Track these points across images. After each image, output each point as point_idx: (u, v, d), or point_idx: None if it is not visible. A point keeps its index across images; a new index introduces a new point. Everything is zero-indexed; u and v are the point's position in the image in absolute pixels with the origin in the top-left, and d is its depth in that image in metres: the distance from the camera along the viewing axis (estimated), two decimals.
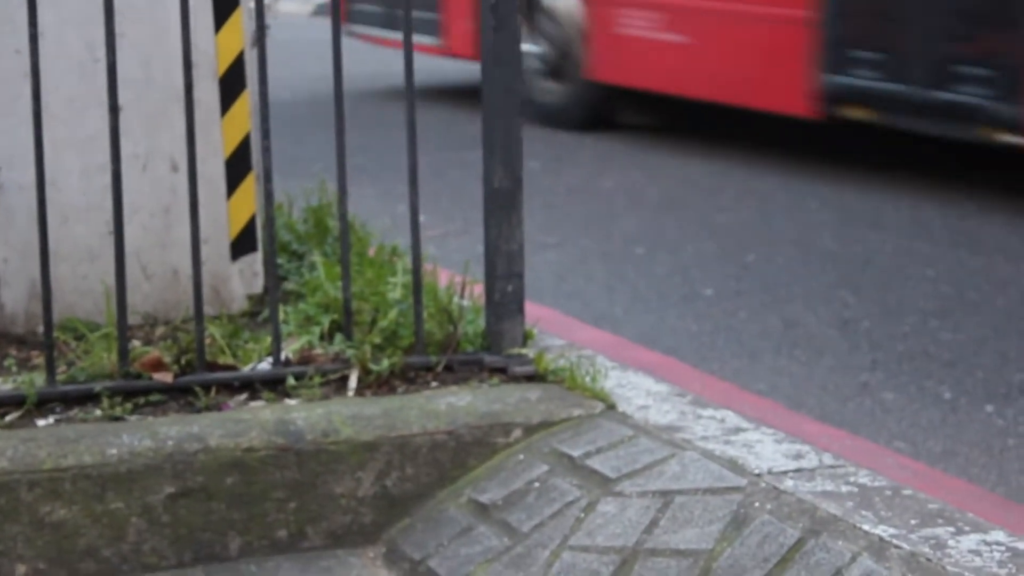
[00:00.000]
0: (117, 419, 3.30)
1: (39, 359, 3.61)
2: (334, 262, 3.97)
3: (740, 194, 7.67)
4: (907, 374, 4.89)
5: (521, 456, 3.27)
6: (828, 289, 5.88)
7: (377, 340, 3.58)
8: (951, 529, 2.68)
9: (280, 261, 4.21)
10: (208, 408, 3.37)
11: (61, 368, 3.47)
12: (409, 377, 3.54)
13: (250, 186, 3.97)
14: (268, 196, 3.49)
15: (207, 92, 3.87)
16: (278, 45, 11.02)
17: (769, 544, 2.73)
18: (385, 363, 3.50)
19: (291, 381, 3.46)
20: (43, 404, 3.35)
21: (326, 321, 3.70)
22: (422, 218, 3.64)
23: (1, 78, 3.76)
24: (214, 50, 3.88)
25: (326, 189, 4.49)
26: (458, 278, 3.85)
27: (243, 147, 3.96)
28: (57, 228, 3.75)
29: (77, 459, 3.11)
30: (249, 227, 4.00)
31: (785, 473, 2.97)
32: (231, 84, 3.92)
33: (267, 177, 3.48)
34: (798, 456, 3.06)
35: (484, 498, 3.19)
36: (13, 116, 3.73)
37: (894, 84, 7.50)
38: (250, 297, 4.03)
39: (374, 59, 11.51)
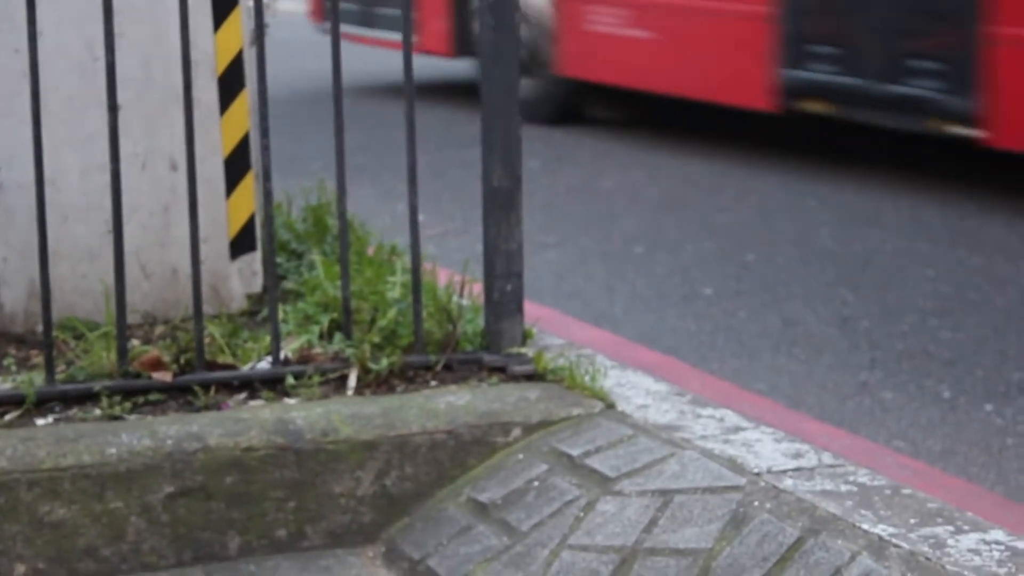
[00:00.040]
0: (116, 418, 3.30)
1: (38, 358, 3.61)
2: (333, 261, 3.97)
3: (740, 194, 7.67)
4: (906, 373, 4.89)
5: (520, 455, 3.27)
6: (828, 288, 5.88)
7: (376, 339, 3.58)
8: (950, 528, 2.68)
9: (279, 260, 4.21)
10: (207, 407, 3.36)
11: (60, 367, 3.47)
12: (408, 376, 3.54)
13: (249, 185, 3.97)
14: (267, 195, 3.49)
15: (206, 91, 3.87)
16: (277, 44, 11.03)
17: (768, 543, 2.73)
18: (384, 362, 3.50)
19: (290, 380, 3.46)
20: (42, 403, 3.35)
21: (325, 320, 3.70)
22: (421, 217, 3.64)
23: (0, 77, 3.76)
24: (213, 49, 3.88)
25: (325, 188, 4.49)
26: (457, 277, 3.85)
27: (242, 146, 3.96)
28: (56, 227, 3.75)
29: (76, 458, 3.11)
30: (248, 226, 4.00)
31: (784, 472, 2.96)
32: (230, 83, 3.92)
33: (266, 176, 3.48)
34: (797, 455, 3.06)
35: (483, 497, 3.19)
36: (12, 115, 3.73)
37: (850, 78, 7.70)
38: (249, 296, 4.02)
39: (374, 58, 11.52)
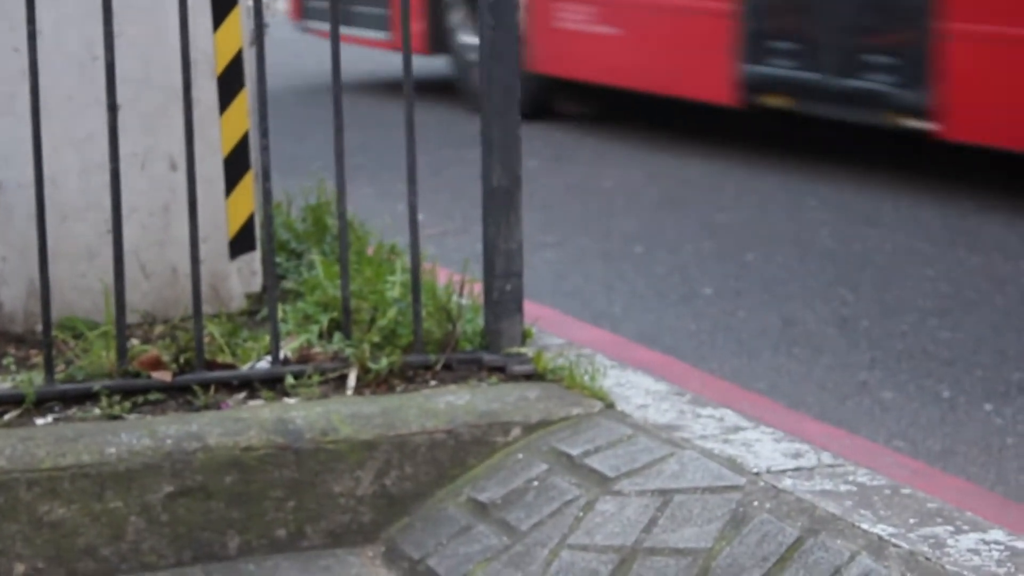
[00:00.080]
0: (116, 418, 3.30)
1: (38, 358, 3.61)
2: (333, 261, 3.97)
3: (739, 193, 7.67)
4: (906, 373, 4.88)
5: (520, 455, 3.27)
6: (827, 288, 5.88)
7: (376, 339, 3.58)
8: (950, 528, 2.68)
9: (279, 260, 4.21)
10: (207, 407, 3.36)
11: (60, 367, 3.47)
12: (408, 376, 3.54)
13: (249, 185, 3.97)
14: (267, 195, 3.49)
15: (206, 91, 3.87)
16: (276, 43, 11.03)
17: (768, 543, 2.73)
18: (384, 362, 3.50)
19: (290, 380, 3.46)
20: (42, 403, 3.35)
21: (325, 320, 3.70)
22: (421, 217, 3.64)
23: None
24: (212, 49, 3.88)
25: (325, 188, 4.49)
26: (457, 277, 3.85)
27: (241, 145, 3.96)
28: (56, 227, 3.75)
29: (76, 458, 3.11)
30: (248, 226, 3.99)
31: (784, 472, 2.96)
32: (229, 82, 3.92)
33: (266, 176, 3.48)
34: (797, 455, 3.06)
35: (483, 497, 3.19)
36: (11, 114, 3.73)
37: (809, 73, 7.91)
38: (249, 296, 4.02)
39: (374, 58, 11.52)
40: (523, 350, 3.59)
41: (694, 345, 5.22)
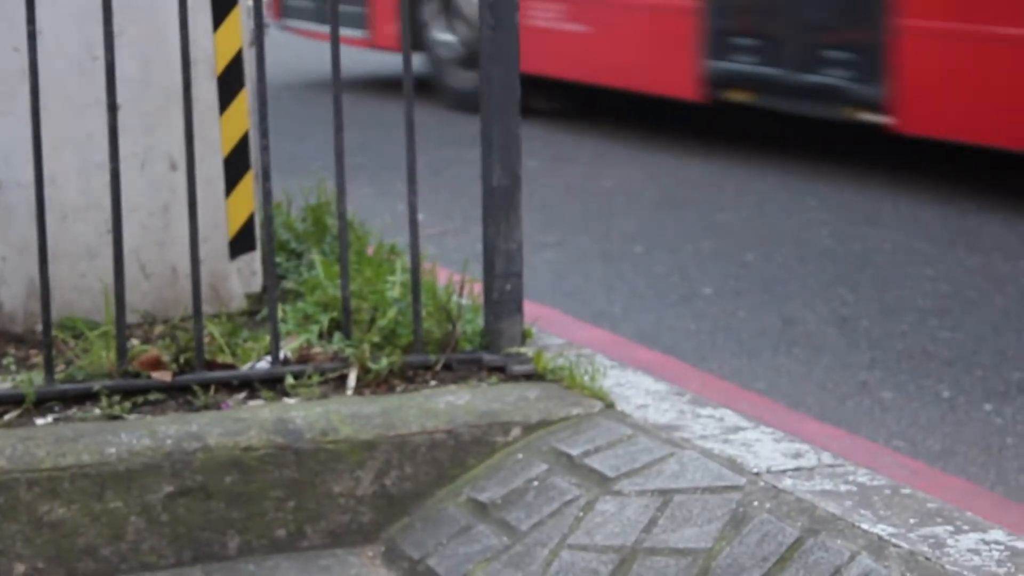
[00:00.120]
0: (116, 418, 3.30)
1: (38, 358, 3.61)
2: (333, 261, 3.97)
3: (739, 193, 7.67)
4: (906, 373, 4.88)
5: (520, 455, 3.27)
6: (827, 288, 5.88)
7: (376, 339, 3.58)
8: (950, 528, 2.68)
9: (279, 260, 4.21)
10: (207, 407, 3.36)
11: (60, 367, 3.47)
12: (408, 376, 3.54)
13: (248, 185, 3.97)
14: (267, 195, 3.49)
15: (205, 90, 3.87)
16: (276, 43, 11.04)
17: (768, 543, 2.73)
18: (384, 362, 3.50)
19: (290, 380, 3.46)
20: (42, 403, 3.35)
21: (325, 320, 3.70)
22: (420, 216, 3.64)
23: None
24: (212, 48, 3.88)
25: (325, 188, 4.49)
26: (457, 277, 3.85)
27: (241, 145, 3.96)
28: (56, 226, 3.75)
29: (76, 458, 3.11)
30: (248, 226, 3.99)
31: (784, 472, 2.96)
32: (229, 82, 3.92)
33: (266, 176, 3.48)
34: (797, 455, 3.06)
35: (483, 497, 3.19)
36: (11, 114, 3.73)
37: (770, 68, 8.13)
38: (248, 296, 4.02)
39: (373, 57, 11.52)
40: (523, 350, 3.59)
41: (694, 345, 5.22)
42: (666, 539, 2.86)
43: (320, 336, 3.66)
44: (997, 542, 2.63)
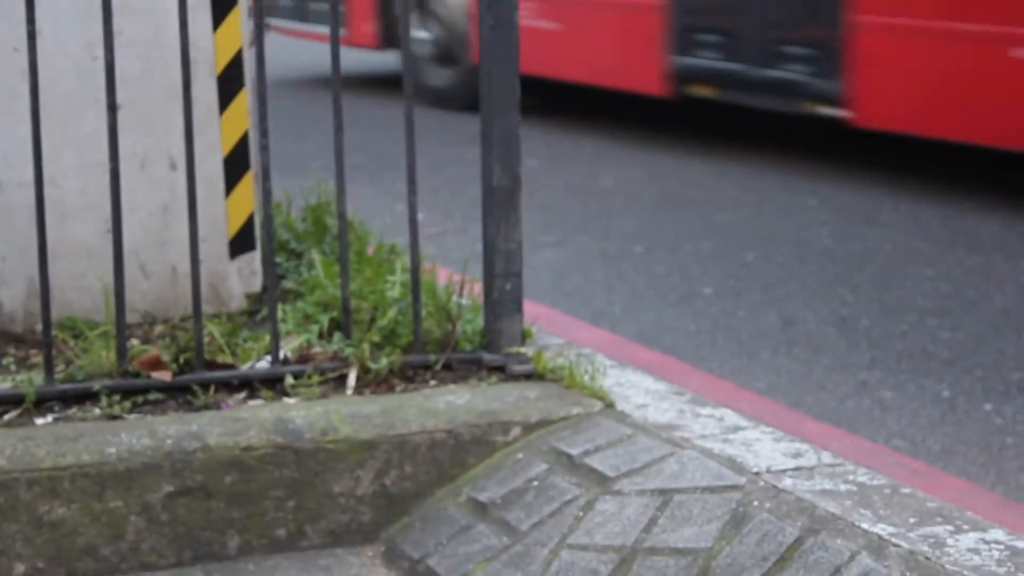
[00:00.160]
0: (116, 418, 3.30)
1: (37, 358, 3.61)
2: (333, 260, 3.97)
3: (739, 193, 7.67)
4: (906, 372, 4.88)
5: (520, 455, 3.27)
6: (827, 287, 5.88)
7: (376, 339, 3.58)
8: (950, 528, 2.68)
9: (279, 260, 4.21)
10: (207, 407, 3.36)
11: (59, 367, 3.47)
12: (408, 376, 3.54)
13: (248, 184, 3.97)
14: (266, 194, 3.49)
15: (205, 90, 3.87)
16: (276, 43, 11.04)
17: (768, 543, 2.73)
18: (384, 361, 3.50)
19: (290, 380, 3.46)
20: (41, 403, 3.35)
21: (325, 320, 3.70)
22: (420, 216, 3.64)
23: None
24: (212, 48, 3.88)
25: (325, 187, 4.49)
26: (457, 277, 3.85)
27: (241, 145, 3.96)
28: (56, 226, 3.75)
29: (76, 458, 3.11)
30: (247, 225, 4.00)
31: (784, 472, 2.96)
32: (229, 82, 3.92)
33: (265, 175, 3.48)
34: (797, 455, 3.06)
35: (483, 497, 3.19)
36: (11, 114, 3.73)
37: (733, 64, 8.38)
38: (248, 296, 4.02)
39: (373, 57, 11.52)
40: (523, 350, 3.59)
41: (694, 345, 5.22)
42: (666, 539, 2.86)
43: (320, 336, 3.66)
44: (997, 542, 2.63)
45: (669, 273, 6.15)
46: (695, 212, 7.28)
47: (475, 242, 3.79)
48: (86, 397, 3.37)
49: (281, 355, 3.51)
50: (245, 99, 3.94)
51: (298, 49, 12.48)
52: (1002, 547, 2.61)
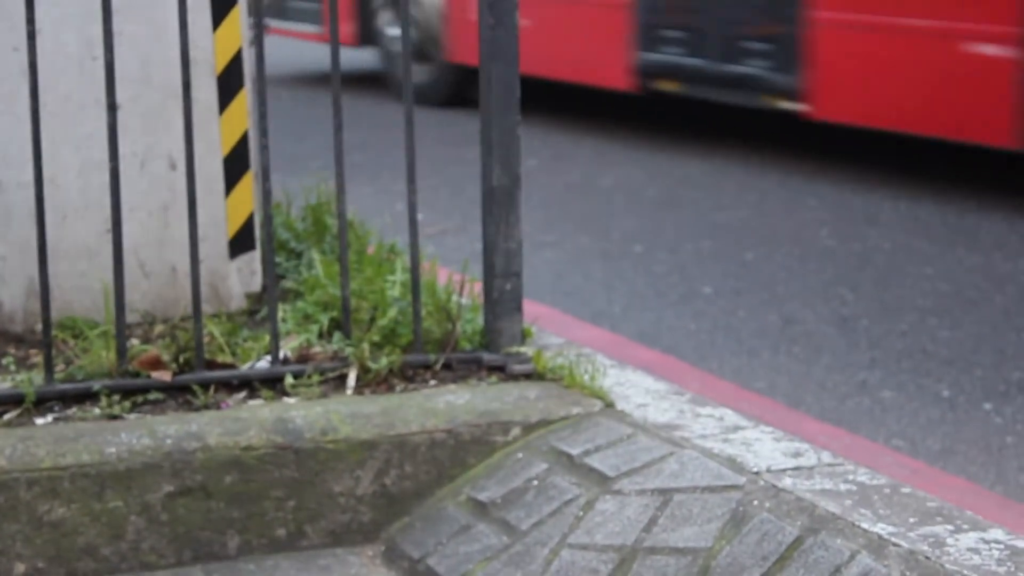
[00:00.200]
0: (115, 417, 3.30)
1: (37, 357, 3.61)
2: (332, 260, 3.97)
3: (739, 192, 7.67)
4: (905, 372, 4.88)
5: (520, 454, 3.27)
6: (826, 287, 5.88)
7: (376, 338, 3.58)
8: (950, 527, 2.68)
9: (278, 259, 4.21)
10: (207, 406, 3.36)
11: (59, 366, 3.47)
12: (408, 375, 3.54)
13: (248, 184, 3.97)
14: (266, 194, 3.49)
15: (205, 90, 3.87)
16: (275, 43, 11.04)
17: (768, 542, 2.73)
18: (384, 361, 3.50)
19: (289, 379, 3.46)
20: (41, 403, 3.35)
21: (325, 319, 3.70)
22: (420, 216, 3.64)
23: None
24: (212, 48, 3.88)
25: (324, 187, 4.49)
26: (457, 276, 3.85)
27: (241, 145, 3.96)
28: (55, 226, 3.75)
29: (76, 458, 3.11)
30: (247, 225, 4.00)
31: (784, 471, 2.96)
32: (229, 82, 3.92)
33: (265, 175, 3.48)
34: (797, 454, 3.06)
35: (483, 496, 3.19)
36: (11, 114, 3.73)
37: (695, 59, 8.67)
38: (248, 295, 4.02)
39: (372, 57, 11.52)
40: (523, 349, 3.59)
41: (694, 344, 5.22)
42: (666, 538, 2.86)
43: (320, 336, 3.66)
44: (997, 541, 2.63)
45: (669, 272, 6.16)
46: (695, 211, 7.28)
47: (475, 242, 3.79)
48: (86, 397, 3.37)
49: (281, 355, 3.51)
50: (245, 99, 3.94)
51: (298, 49, 12.48)
52: (1002, 546, 2.61)
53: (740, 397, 4.48)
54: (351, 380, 3.48)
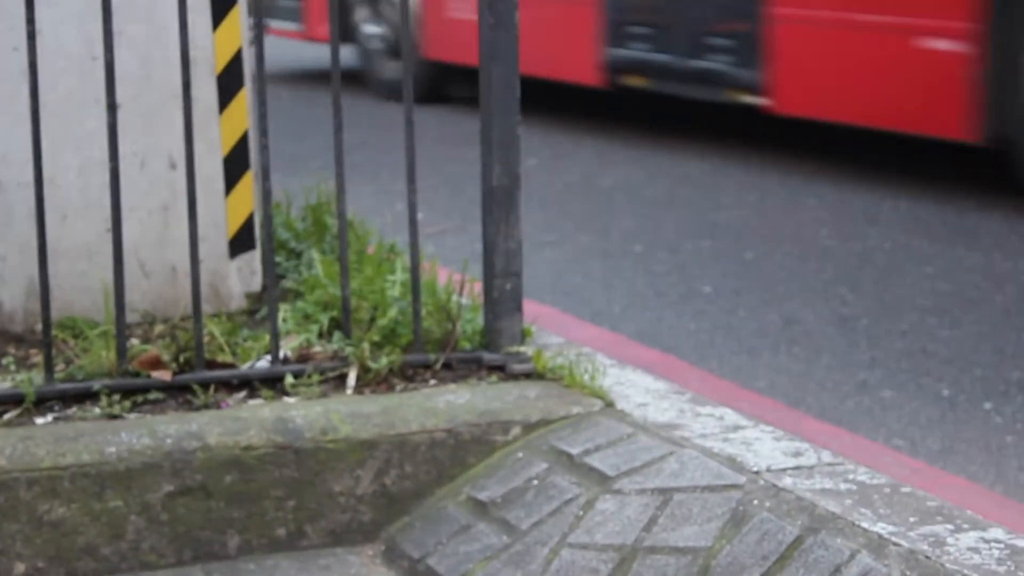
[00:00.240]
0: (116, 417, 3.30)
1: (37, 357, 3.61)
2: (332, 260, 3.97)
3: (738, 192, 7.67)
4: (905, 372, 4.88)
5: (520, 454, 3.27)
6: (826, 286, 5.88)
7: (376, 338, 3.58)
8: (950, 527, 2.68)
9: (278, 259, 4.21)
10: (207, 406, 3.37)
11: (59, 366, 3.47)
12: (408, 375, 3.54)
13: (248, 184, 3.97)
14: (266, 194, 3.49)
15: (205, 90, 3.87)
16: (275, 42, 11.02)
17: (768, 542, 2.73)
18: (384, 361, 3.50)
19: (289, 379, 3.46)
20: (41, 402, 3.35)
21: (325, 319, 3.70)
22: (420, 215, 3.64)
23: None
24: (212, 48, 3.88)
25: (324, 187, 4.49)
26: (457, 276, 3.85)
27: (241, 145, 3.96)
28: (55, 226, 3.75)
29: (76, 457, 3.11)
30: (247, 225, 4.00)
31: (784, 471, 2.96)
32: (229, 81, 3.92)
33: (265, 175, 3.48)
34: (797, 454, 3.06)
35: (483, 496, 3.19)
36: (11, 114, 3.73)
37: (661, 55, 8.84)
38: (248, 295, 4.02)
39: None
40: (523, 349, 3.59)
41: (693, 344, 5.22)
42: (666, 538, 2.86)
43: (320, 335, 3.67)
44: (997, 540, 2.63)
45: (669, 272, 6.15)
46: (695, 211, 7.28)
47: (475, 241, 3.79)
48: (86, 397, 3.37)
49: (281, 354, 3.51)
50: (245, 98, 3.94)
51: (298, 48, 12.48)
52: (1002, 546, 2.61)
53: (740, 396, 4.48)
54: (351, 380, 3.48)
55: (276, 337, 3.48)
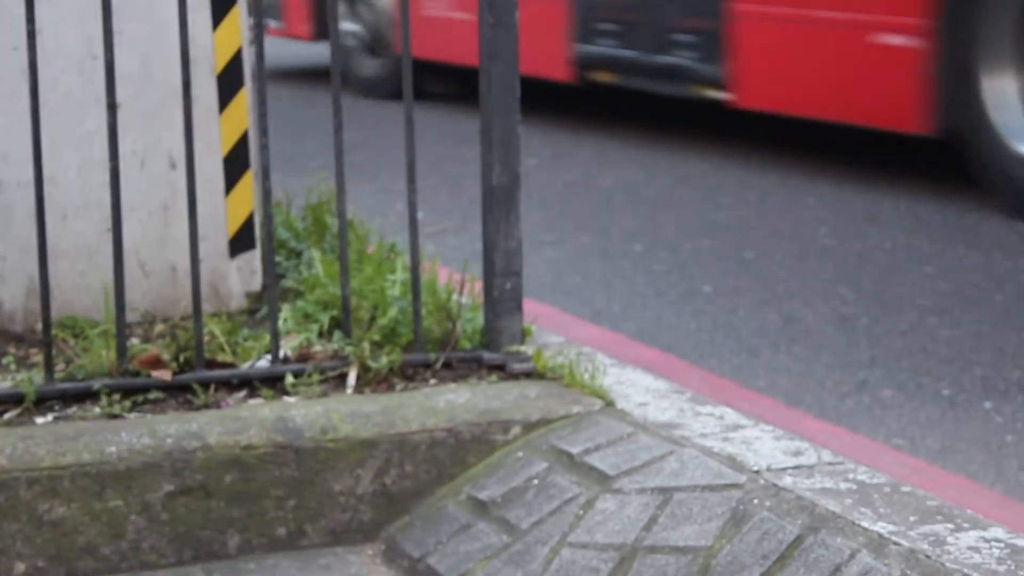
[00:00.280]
0: (116, 417, 3.30)
1: (38, 357, 3.61)
2: (333, 259, 3.97)
3: (738, 191, 7.67)
4: (905, 371, 4.88)
5: (520, 453, 3.27)
6: (826, 286, 5.88)
7: (376, 337, 3.58)
8: (950, 526, 2.68)
9: (278, 259, 4.21)
10: (207, 406, 3.37)
11: (60, 366, 3.47)
12: (408, 374, 3.54)
13: (248, 183, 3.97)
14: (266, 193, 3.49)
15: (205, 89, 3.87)
16: (275, 42, 11.03)
17: (768, 541, 2.73)
18: (384, 360, 3.50)
19: (290, 379, 3.46)
20: (42, 402, 3.35)
21: (325, 318, 3.70)
22: (420, 215, 3.63)
23: None
24: (212, 47, 3.88)
25: (324, 186, 4.49)
26: (457, 275, 3.85)
27: (241, 144, 3.96)
28: (55, 225, 3.75)
29: (76, 457, 3.11)
30: (247, 224, 4.00)
31: (784, 470, 2.96)
32: (229, 81, 3.92)
33: (265, 174, 3.48)
34: (797, 453, 3.06)
35: (483, 495, 3.19)
36: (11, 113, 3.73)
37: (629, 51, 8.98)
38: (248, 295, 4.02)
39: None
40: (523, 348, 3.59)
41: (693, 343, 5.22)
42: (666, 537, 2.86)
43: (320, 335, 3.67)
44: (997, 540, 2.63)
45: (669, 271, 6.15)
46: (695, 210, 7.28)
47: (475, 241, 3.79)
48: (86, 396, 3.37)
49: (281, 354, 3.51)
50: (245, 98, 3.94)
51: (299, 48, 12.48)
52: (1002, 545, 2.61)
53: (740, 396, 4.48)
54: (351, 379, 3.48)
55: (276, 336, 3.48)
